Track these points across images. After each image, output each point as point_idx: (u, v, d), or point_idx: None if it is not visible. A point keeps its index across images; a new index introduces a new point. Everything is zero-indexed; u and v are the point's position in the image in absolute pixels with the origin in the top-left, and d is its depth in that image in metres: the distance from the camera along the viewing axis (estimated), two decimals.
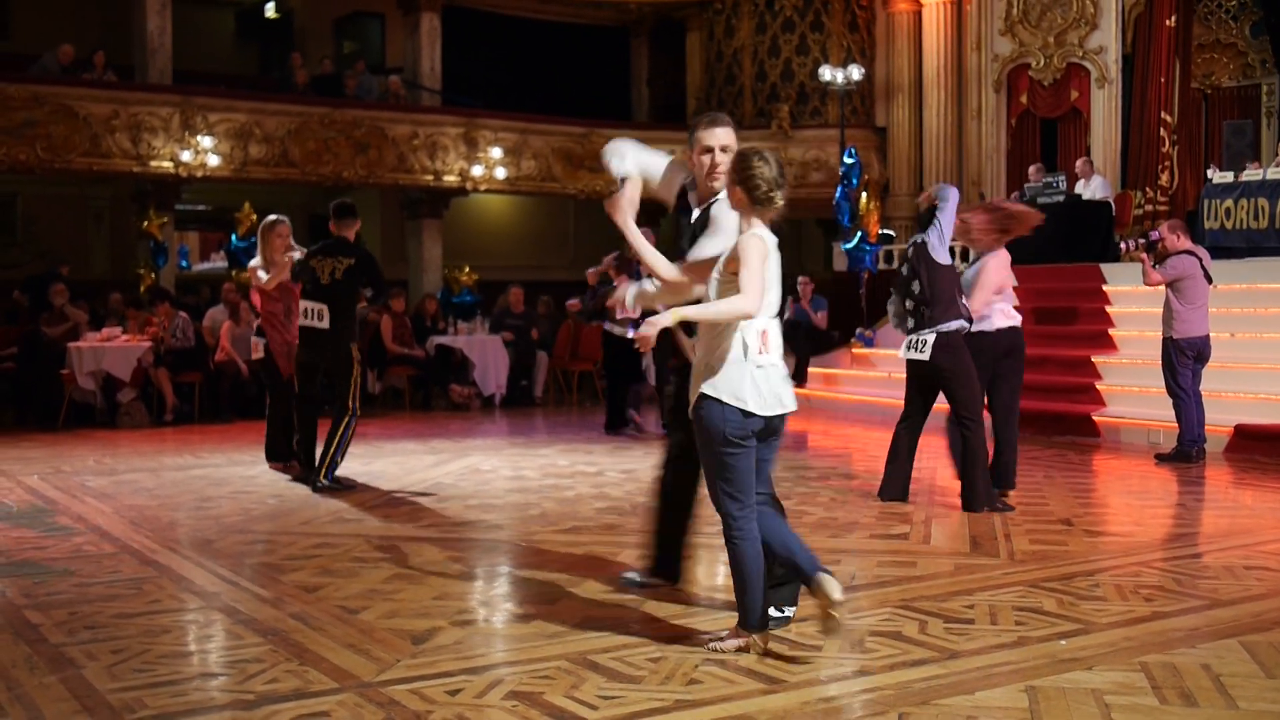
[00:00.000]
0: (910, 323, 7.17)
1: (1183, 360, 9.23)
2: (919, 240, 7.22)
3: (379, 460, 9.68)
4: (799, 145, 19.26)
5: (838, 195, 16.01)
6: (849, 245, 16.02)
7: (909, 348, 7.19)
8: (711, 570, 5.59)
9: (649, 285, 4.88)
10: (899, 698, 3.82)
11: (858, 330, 15.34)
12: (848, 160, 16.12)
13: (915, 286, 7.11)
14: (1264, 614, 4.82)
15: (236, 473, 9.03)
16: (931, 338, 7.02)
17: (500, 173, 18.23)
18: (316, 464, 8.23)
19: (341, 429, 8.17)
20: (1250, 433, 9.83)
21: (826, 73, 18.14)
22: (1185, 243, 9.50)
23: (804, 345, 14.76)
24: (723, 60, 20.00)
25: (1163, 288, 9.35)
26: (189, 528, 6.91)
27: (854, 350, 15.06)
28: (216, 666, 4.28)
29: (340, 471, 8.26)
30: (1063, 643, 4.40)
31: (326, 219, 8.46)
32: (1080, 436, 10.90)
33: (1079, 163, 16.21)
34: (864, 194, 16.63)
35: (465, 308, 16.63)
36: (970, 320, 7.19)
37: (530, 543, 6.46)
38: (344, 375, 8.27)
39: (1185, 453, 9.27)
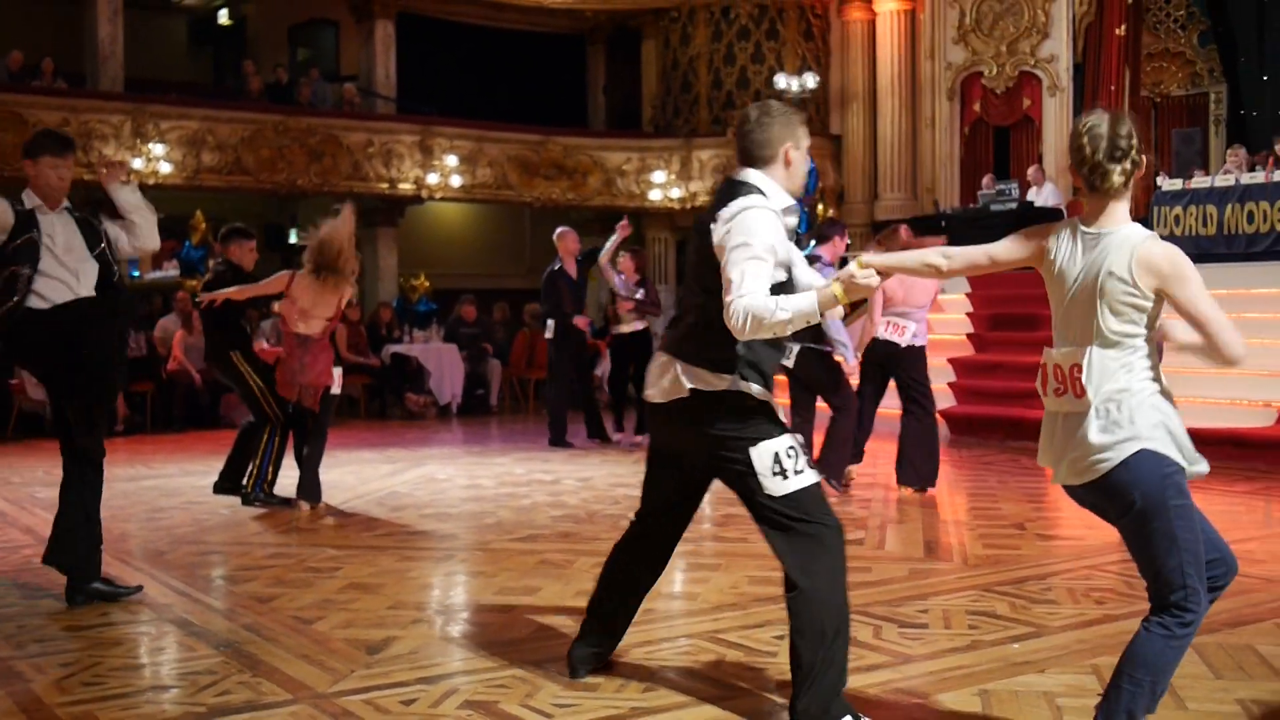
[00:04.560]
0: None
1: None
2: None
3: (334, 469, 9.60)
4: None
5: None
6: (806, 252, 16.08)
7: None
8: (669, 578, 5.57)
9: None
10: (852, 703, 3.84)
11: None
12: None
13: None
14: (1211, 616, 4.85)
15: (189, 483, 8.94)
16: (797, 348, 7.81)
17: (456, 181, 18.15)
18: (244, 478, 7.99)
19: (265, 439, 7.87)
20: (1197, 437, 9.94)
21: (782, 80, 18.19)
22: None
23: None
24: (679, 68, 20.04)
25: None
26: (141, 539, 6.85)
27: None
28: (168, 679, 4.24)
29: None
30: (1015, 646, 4.45)
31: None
32: (1034, 441, 10.93)
33: (1031, 170, 16.40)
34: (819, 202, 16.69)
35: (421, 316, 16.56)
36: None
37: (486, 551, 6.45)
38: (239, 385, 7.97)
39: None
